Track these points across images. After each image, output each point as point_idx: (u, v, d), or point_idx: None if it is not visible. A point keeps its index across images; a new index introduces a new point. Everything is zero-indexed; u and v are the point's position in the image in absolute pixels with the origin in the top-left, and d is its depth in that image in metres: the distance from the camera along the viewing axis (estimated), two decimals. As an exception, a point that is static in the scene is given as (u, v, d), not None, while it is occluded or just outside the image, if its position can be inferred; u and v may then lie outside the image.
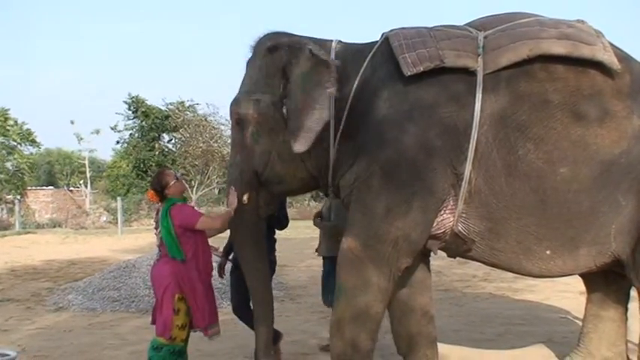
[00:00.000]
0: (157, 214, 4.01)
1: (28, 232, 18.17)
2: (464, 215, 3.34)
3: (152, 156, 24.67)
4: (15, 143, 26.01)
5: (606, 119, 3.26)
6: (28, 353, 5.05)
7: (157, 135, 25.22)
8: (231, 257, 4.40)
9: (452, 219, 3.35)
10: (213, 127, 21.84)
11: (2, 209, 25.66)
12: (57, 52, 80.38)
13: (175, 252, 3.82)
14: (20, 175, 26.13)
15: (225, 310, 5.73)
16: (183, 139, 22.67)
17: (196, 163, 21.88)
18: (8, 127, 25.29)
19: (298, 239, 11.35)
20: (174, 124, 23.36)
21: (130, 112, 25.60)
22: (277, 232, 4.61)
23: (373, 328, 3.43)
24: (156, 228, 4.01)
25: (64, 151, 38.96)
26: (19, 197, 24.87)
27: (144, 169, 24.77)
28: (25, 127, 26.39)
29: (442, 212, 3.35)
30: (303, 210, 22.83)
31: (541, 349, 4.79)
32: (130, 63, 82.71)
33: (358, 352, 3.40)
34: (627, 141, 3.26)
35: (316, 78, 3.39)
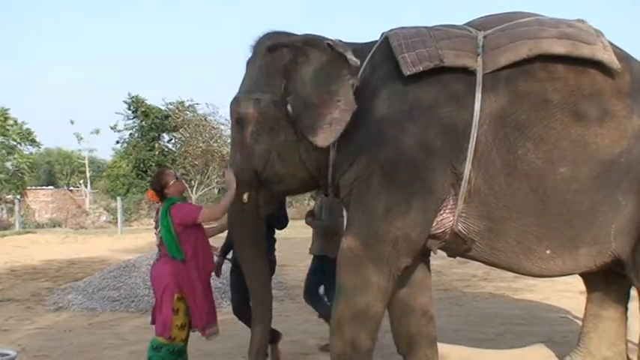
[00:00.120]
0: (157, 213, 4.01)
1: (28, 232, 18.15)
2: (464, 215, 3.33)
3: (152, 156, 24.65)
4: (15, 143, 25.99)
5: (606, 119, 3.26)
6: (28, 353, 5.05)
7: (156, 135, 25.20)
8: (230, 257, 4.40)
9: (452, 218, 3.35)
10: (213, 126, 21.84)
11: (2, 209, 25.66)
12: (57, 51, 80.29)
13: (175, 251, 3.82)
14: (20, 174, 26.11)
15: (225, 310, 5.73)
16: (183, 138, 22.66)
17: (196, 162, 21.87)
18: (8, 127, 25.27)
19: (298, 239, 11.31)
20: (174, 124, 23.34)
21: (130, 112, 25.58)
22: (277, 231, 4.61)
23: (373, 327, 3.43)
24: (156, 227, 4.01)
25: (64, 150, 38.95)
26: (18, 197, 24.86)
27: (144, 169, 24.75)
28: (24, 127, 26.38)
29: (442, 212, 3.34)
30: (302, 210, 22.78)
31: (541, 348, 4.78)
32: (130, 63, 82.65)
33: (358, 351, 3.40)
34: (627, 140, 3.26)
35: (335, 71, 3.40)
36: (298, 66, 3.47)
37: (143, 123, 25.25)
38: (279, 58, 3.55)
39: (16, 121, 25.95)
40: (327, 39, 3.61)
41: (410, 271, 3.65)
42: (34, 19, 76.80)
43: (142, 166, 24.89)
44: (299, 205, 23.70)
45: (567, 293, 6.80)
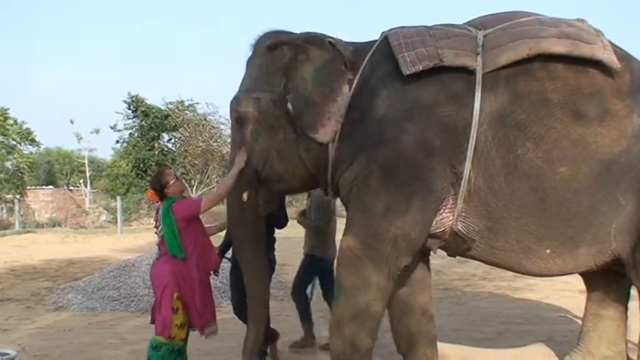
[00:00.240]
0: (157, 213, 4.01)
1: (28, 232, 18.13)
2: (463, 214, 3.33)
3: (152, 155, 24.61)
4: (15, 142, 25.94)
5: (606, 118, 3.26)
6: (28, 352, 5.06)
7: (156, 134, 25.15)
8: (230, 256, 4.40)
9: (451, 218, 3.35)
10: (213, 126, 21.80)
11: (2, 209, 25.61)
12: (57, 51, 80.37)
13: (176, 250, 3.82)
14: (20, 174, 26.08)
15: (225, 310, 5.73)
16: (182, 138, 22.62)
17: (196, 162, 21.85)
18: (8, 127, 25.22)
19: (297, 238, 11.29)
20: (173, 124, 23.30)
21: (130, 112, 25.53)
22: (277, 231, 4.61)
23: (373, 327, 3.43)
24: (156, 227, 4.01)
25: (64, 150, 38.92)
26: (18, 197, 24.82)
27: (143, 169, 24.71)
28: (24, 127, 26.34)
29: (441, 211, 3.34)
30: (302, 209, 22.77)
31: (541, 348, 4.79)
32: (130, 62, 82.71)
33: (358, 351, 3.40)
34: (627, 140, 3.26)
35: (336, 69, 3.42)
36: (299, 64, 3.48)
37: (143, 122, 25.21)
38: (280, 56, 3.56)
39: (15, 121, 25.91)
40: (328, 37, 3.62)
41: (410, 270, 3.65)
42: (34, 19, 76.94)
43: (141, 165, 24.85)
44: (299, 205, 23.66)
45: (567, 292, 6.80)
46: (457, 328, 5.51)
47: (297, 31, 3.77)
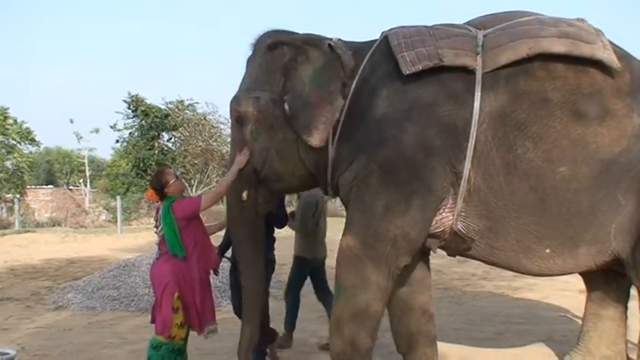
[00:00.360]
0: (157, 212, 4.01)
1: (28, 231, 18.12)
2: (463, 214, 3.33)
3: (152, 155, 24.60)
4: (14, 142, 25.92)
5: (606, 118, 3.26)
6: (28, 352, 5.06)
7: (156, 134, 25.14)
8: (230, 256, 4.40)
9: (451, 217, 3.35)
10: (213, 125, 21.79)
11: (2, 208, 25.60)
12: (56, 51, 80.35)
13: (177, 249, 3.82)
14: (20, 174, 26.07)
15: (225, 310, 5.74)
16: (182, 137, 22.62)
17: (196, 161, 21.85)
18: (8, 126, 25.20)
19: (298, 238, 11.32)
20: (173, 123, 23.30)
21: (130, 111, 25.52)
22: (276, 230, 4.61)
23: (373, 326, 3.43)
24: (156, 226, 4.01)
25: (64, 150, 38.89)
26: (18, 196, 24.82)
27: (143, 168, 24.71)
28: (24, 126, 26.31)
29: (441, 211, 3.34)
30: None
31: (541, 347, 4.79)
32: (130, 62, 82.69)
33: (357, 350, 3.40)
34: (627, 140, 3.26)
35: (334, 72, 3.41)
36: (298, 65, 3.48)
37: (143, 122, 25.21)
38: (280, 56, 3.56)
39: (15, 120, 25.89)
40: (328, 39, 3.62)
41: (409, 270, 3.65)
42: (34, 19, 76.88)
43: (141, 165, 24.85)
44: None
45: (567, 292, 6.81)
46: (457, 327, 5.51)
47: (298, 31, 3.77)
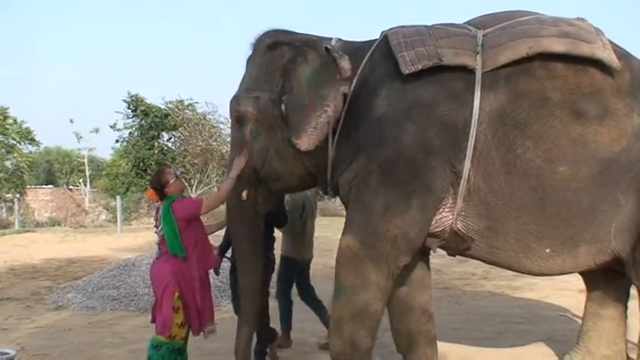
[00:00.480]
0: (157, 212, 4.01)
1: (28, 231, 18.13)
2: (463, 213, 3.33)
3: (151, 154, 24.60)
4: (14, 142, 25.91)
5: (606, 117, 3.25)
6: (28, 352, 5.06)
7: (156, 133, 25.14)
8: (230, 256, 4.40)
9: (451, 217, 3.35)
10: (212, 125, 21.78)
11: (2, 208, 25.60)
12: (56, 50, 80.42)
13: (177, 249, 3.82)
14: (20, 173, 26.06)
15: (225, 309, 5.74)
16: (182, 137, 22.60)
17: (195, 161, 21.83)
18: (7, 126, 25.18)
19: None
20: (173, 123, 23.28)
21: (130, 111, 25.51)
22: (276, 230, 4.61)
23: (372, 326, 3.43)
24: (156, 226, 4.01)
25: (64, 149, 38.89)
26: (18, 196, 24.81)
27: (143, 168, 24.71)
28: (24, 126, 26.30)
29: (441, 210, 3.34)
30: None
31: (541, 347, 4.79)
32: (130, 62, 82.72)
33: (357, 350, 3.40)
34: (627, 139, 3.26)
35: (328, 76, 3.39)
36: (296, 65, 3.48)
37: (142, 122, 25.21)
38: (279, 56, 3.56)
39: (15, 120, 25.88)
40: (328, 39, 3.61)
41: (409, 269, 3.65)
42: (34, 18, 76.87)
43: (141, 164, 24.85)
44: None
45: (567, 292, 6.80)
46: (457, 327, 5.51)
47: (298, 31, 3.77)
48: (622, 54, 3.43)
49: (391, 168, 3.31)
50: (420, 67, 3.29)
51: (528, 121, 3.24)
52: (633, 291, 3.82)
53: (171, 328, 3.77)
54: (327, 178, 3.62)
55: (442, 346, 4.09)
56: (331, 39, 3.66)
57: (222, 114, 21.29)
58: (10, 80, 68.63)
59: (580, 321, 4.25)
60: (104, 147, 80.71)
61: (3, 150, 25.52)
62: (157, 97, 34.34)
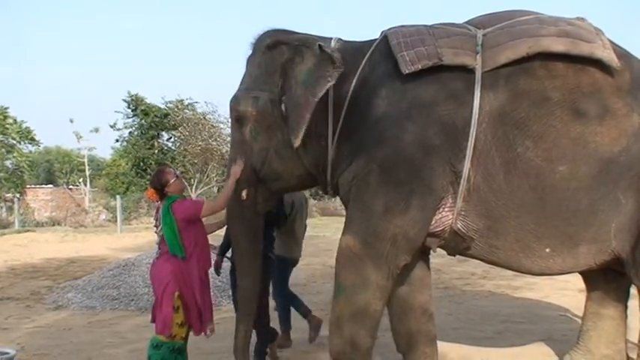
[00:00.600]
0: (157, 212, 4.01)
1: (28, 231, 18.13)
2: (463, 213, 3.33)
3: (151, 154, 24.62)
4: (14, 141, 25.91)
5: (606, 117, 3.25)
6: (28, 352, 5.06)
7: (156, 133, 25.16)
8: (230, 256, 4.41)
9: (451, 217, 3.35)
10: (212, 125, 21.78)
11: (2, 207, 25.60)
12: (56, 50, 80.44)
13: (177, 249, 3.82)
14: (19, 173, 26.07)
15: (225, 309, 5.75)
16: (182, 137, 22.60)
17: (195, 161, 21.85)
18: (7, 126, 25.18)
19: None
20: (173, 123, 23.30)
21: (130, 111, 25.54)
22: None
23: (372, 325, 3.43)
24: (156, 226, 4.01)
25: (64, 149, 38.89)
26: (18, 195, 24.83)
27: (143, 168, 24.74)
28: (24, 126, 26.29)
29: (441, 210, 3.34)
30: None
31: (540, 346, 4.79)
32: (130, 61, 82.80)
33: (357, 349, 3.40)
34: (627, 139, 3.26)
35: (320, 73, 3.38)
36: (295, 65, 3.47)
37: (142, 121, 25.23)
38: (279, 56, 3.56)
39: (15, 120, 25.88)
40: (328, 39, 3.61)
41: (409, 269, 3.65)
42: (34, 18, 76.88)
43: (141, 164, 24.88)
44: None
45: (567, 291, 6.80)
46: (457, 326, 5.51)
47: (298, 31, 3.77)
48: (622, 53, 3.42)
49: (391, 168, 3.31)
50: (419, 67, 3.29)
51: (528, 121, 3.24)
52: (633, 290, 3.82)
53: (171, 328, 3.77)
54: (326, 178, 3.62)
55: (442, 346, 4.09)
56: (331, 39, 3.66)
57: (221, 114, 21.33)
58: (10, 80, 68.70)
59: (580, 321, 4.24)
60: (104, 147, 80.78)
61: (3, 150, 25.53)
62: (156, 97, 34.42)
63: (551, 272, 3.55)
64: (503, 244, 3.38)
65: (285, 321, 5.05)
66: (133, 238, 14.89)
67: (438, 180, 3.28)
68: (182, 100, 24.22)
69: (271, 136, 3.59)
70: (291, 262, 5.11)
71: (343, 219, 3.52)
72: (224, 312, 5.54)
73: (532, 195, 3.26)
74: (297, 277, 8.35)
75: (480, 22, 3.54)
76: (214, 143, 21.33)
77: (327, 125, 3.49)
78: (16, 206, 22.91)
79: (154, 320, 3.92)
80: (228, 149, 4.34)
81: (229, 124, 4.14)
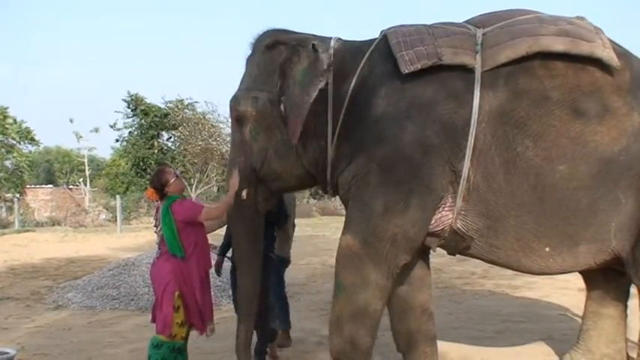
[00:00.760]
0: (157, 211, 4.01)
1: (28, 231, 18.14)
2: (462, 212, 3.33)
3: (151, 154, 24.64)
4: (14, 141, 25.95)
5: (606, 116, 3.25)
6: (28, 351, 5.05)
7: (156, 133, 25.19)
8: (231, 256, 4.40)
9: (450, 216, 3.35)
10: (212, 125, 21.80)
11: (1, 207, 25.62)
12: (56, 49, 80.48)
13: (176, 249, 3.82)
14: (19, 173, 26.10)
15: (225, 308, 5.75)
16: (182, 137, 22.64)
17: (195, 161, 21.87)
18: (7, 126, 25.22)
19: (297, 237, 11.32)
20: (173, 122, 23.33)
21: (129, 111, 25.57)
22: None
23: (372, 325, 3.43)
24: (156, 226, 4.01)
25: (63, 149, 38.93)
26: (18, 195, 24.86)
27: (143, 167, 24.76)
28: (24, 126, 26.34)
29: (441, 209, 3.34)
30: (302, 207, 22.83)
31: (540, 346, 4.79)
32: (130, 61, 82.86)
33: (357, 349, 3.40)
34: (627, 138, 3.25)
35: (314, 73, 3.39)
36: (292, 65, 3.48)
37: (142, 121, 25.25)
38: (277, 56, 3.56)
39: (15, 120, 25.91)
40: (328, 38, 3.61)
41: (409, 268, 3.65)
42: (34, 17, 76.91)
43: (141, 164, 24.90)
44: (298, 203, 23.67)
45: (567, 291, 6.80)
46: (457, 326, 5.51)
47: (298, 30, 3.77)
48: (622, 52, 3.42)
49: (390, 167, 3.31)
50: (419, 67, 3.29)
51: (528, 120, 3.24)
52: (633, 290, 3.82)
53: (171, 328, 3.77)
54: (326, 178, 3.62)
55: (442, 345, 4.09)
56: (331, 38, 3.66)
57: (221, 113, 21.37)
58: (10, 80, 68.75)
59: (580, 320, 4.24)
60: (104, 146, 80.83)
61: (3, 150, 25.56)
62: (156, 97, 34.47)
63: (550, 271, 3.54)
64: (503, 243, 3.37)
65: (285, 320, 5.05)
66: (133, 238, 14.89)
67: (438, 179, 3.28)
68: (182, 100, 24.26)
69: (270, 136, 3.59)
70: (285, 261, 5.10)
71: (343, 218, 3.52)
72: (224, 312, 5.54)
73: (532, 194, 3.26)
74: (296, 277, 8.38)
75: (479, 22, 3.53)
76: (214, 143, 21.34)
77: (327, 125, 3.49)
78: (16, 206, 22.93)
79: (154, 320, 3.92)
80: (229, 149, 4.34)
81: (229, 124, 4.14)
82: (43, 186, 31.61)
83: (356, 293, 3.36)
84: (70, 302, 7.09)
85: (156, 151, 24.78)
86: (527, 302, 6.62)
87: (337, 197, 3.90)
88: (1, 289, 8.22)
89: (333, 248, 3.56)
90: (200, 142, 21.29)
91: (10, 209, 24.74)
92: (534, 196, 3.25)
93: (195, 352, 4.45)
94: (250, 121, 3.61)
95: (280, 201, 4.52)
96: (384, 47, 3.50)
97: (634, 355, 3.79)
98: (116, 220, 19.39)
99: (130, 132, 26.03)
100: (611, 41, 3.40)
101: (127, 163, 26.69)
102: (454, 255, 3.75)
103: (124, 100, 25.46)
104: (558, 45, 3.28)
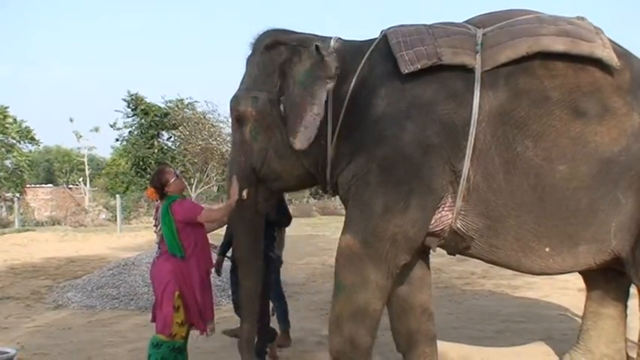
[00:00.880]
0: (157, 211, 4.01)
1: (28, 230, 18.15)
2: (462, 212, 3.33)
3: (151, 154, 24.64)
4: (14, 141, 25.93)
5: (606, 116, 3.25)
6: (28, 351, 5.05)
7: (156, 132, 25.18)
8: (231, 255, 4.41)
9: (450, 216, 3.35)
10: (212, 124, 21.78)
11: (1, 207, 25.62)
12: (56, 49, 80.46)
13: (176, 249, 3.82)
14: (19, 172, 26.09)
15: (225, 308, 5.74)
16: (182, 136, 22.62)
17: (195, 160, 21.86)
18: (7, 125, 25.20)
19: (297, 236, 11.34)
20: (173, 122, 23.30)
21: (130, 110, 25.56)
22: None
23: (372, 325, 3.43)
24: (155, 225, 4.01)
25: (63, 148, 38.89)
26: (18, 195, 24.85)
27: (143, 167, 24.76)
28: (24, 125, 26.31)
29: (440, 209, 3.34)
30: (302, 207, 22.82)
31: (540, 346, 4.79)
32: (130, 60, 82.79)
33: (357, 349, 3.40)
34: (627, 138, 3.25)
35: (317, 74, 3.38)
36: (293, 65, 3.47)
37: (142, 121, 25.24)
38: (277, 56, 3.56)
39: (15, 119, 25.89)
40: (328, 38, 3.61)
41: (409, 268, 3.65)
42: (33, 16, 76.86)
43: (141, 164, 24.89)
44: (298, 203, 23.69)
45: (567, 291, 6.80)
46: (456, 326, 5.51)
47: (298, 30, 3.77)
48: (622, 52, 3.42)
49: (390, 167, 3.31)
50: (419, 67, 3.29)
51: (528, 120, 3.24)
52: (633, 290, 3.82)
53: (171, 327, 3.77)
54: (326, 177, 3.62)
55: (442, 345, 4.09)
56: (331, 38, 3.66)
57: (221, 113, 21.35)
58: (10, 79, 68.72)
59: (580, 320, 4.25)
60: (104, 146, 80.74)
61: (3, 149, 25.55)
62: (156, 96, 34.37)
63: (550, 272, 3.54)
64: (502, 243, 3.37)
65: (284, 320, 5.05)
66: (133, 238, 14.89)
67: (438, 179, 3.28)
68: (182, 100, 24.25)
69: (270, 136, 3.59)
70: (281, 261, 5.11)
71: (343, 218, 3.52)
72: (224, 311, 5.54)
73: (532, 194, 3.26)
74: (296, 277, 8.38)
75: (479, 22, 3.53)
76: (214, 142, 21.33)
77: (327, 125, 3.48)
78: (16, 206, 22.92)
79: (154, 319, 3.93)
80: (229, 149, 4.34)
81: (229, 124, 4.14)
82: (43, 185, 31.60)
83: (356, 293, 3.36)
84: (70, 302, 7.09)
85: (156, 150, 24.77)
86: (527, 302, 6.62)
87: (337, 197, 3.90)
88: (1, 288, 8.22)
89: (333, 248, 3.56)
90: (200, 142, 21.28)
91: (10, 209, 24.73)
92: (534, 196, 3.25)
93: (195, 352, 4.45)
94: (250, 121, 3.61)
95: (281, 200, 4.53)
96: (384, 47, 3.50)
97: (634, 355, 3.79)
98: (116, 220, 19.38)
99: (130, 131, 26.03)
100: (611, 41, 3.40)
101: (126, 163, 26.68)
102: (454, 255, 3.75)
103: (124, 100, 25.46)
104: (558, 45, 3.28)
